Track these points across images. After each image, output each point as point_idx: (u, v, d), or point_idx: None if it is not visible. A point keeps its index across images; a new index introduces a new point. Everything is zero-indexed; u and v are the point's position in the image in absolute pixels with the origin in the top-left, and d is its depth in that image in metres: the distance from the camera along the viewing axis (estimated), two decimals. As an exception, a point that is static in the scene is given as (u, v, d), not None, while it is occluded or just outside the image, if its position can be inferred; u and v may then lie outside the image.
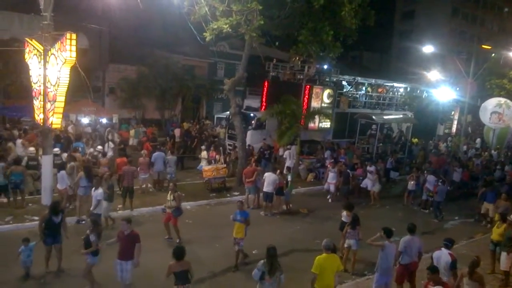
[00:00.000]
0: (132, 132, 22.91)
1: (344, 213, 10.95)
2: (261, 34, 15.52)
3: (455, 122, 34.24)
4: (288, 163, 18.90)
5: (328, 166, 17.44)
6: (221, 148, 19.19)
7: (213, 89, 31.77)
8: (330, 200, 16.65)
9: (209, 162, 17.64)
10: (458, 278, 7.64)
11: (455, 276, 7.75)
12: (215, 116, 31.27)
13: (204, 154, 18.08)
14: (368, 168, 16.98)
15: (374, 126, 25.41)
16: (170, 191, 11.18)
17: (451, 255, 8.00)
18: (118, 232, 8.19)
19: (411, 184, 16.83)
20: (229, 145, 22.08)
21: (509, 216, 10.84)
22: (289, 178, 15.73)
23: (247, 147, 19.04)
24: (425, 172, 17.46)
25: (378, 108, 27.04)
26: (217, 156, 18.01)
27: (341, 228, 10.80)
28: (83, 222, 11.88)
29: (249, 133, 20.86)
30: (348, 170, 16.90)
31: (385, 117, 26.07)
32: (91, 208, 11.09)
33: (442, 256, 8.06)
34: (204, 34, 14.52)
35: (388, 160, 20.45)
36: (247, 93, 29.57)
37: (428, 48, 31.79)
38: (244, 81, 22.79)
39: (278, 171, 15.14)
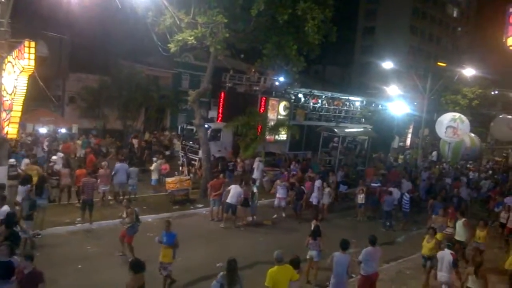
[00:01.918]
0: (79, 142, 22.10)
1: (314, 222, 11.09)
2: (226, 47, 15.65)
3: (409, 136, 35.50)
4: (254, 174, 18.91)
5: (277, 180, 16.94)
6: (184, 159, 18.98)
7: (177, 100, 31.51)
8: (283, 215, 16.00)
9: (160, 175, 17.29)
10: (464, 276, 8.82)
11: (457, 273, 9.18)
12: (179, 126, 31.01)
13: (154, 166, 17.36)
14: (316, 182, 16.64)
15: (336, 139, 25.95)
16: (124, 207, 10.81)
17: (453, 255, 9.26)
18: (16, 271, 6.79)
19: (360, 198, 16.73)
20: (182, 156, 21.61)
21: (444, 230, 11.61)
22: (254, 189, 15.55)
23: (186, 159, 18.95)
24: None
25: (334, 121, 27.45)
26: (167, 168, 17.70)
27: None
28: (39, 236, 11.45)
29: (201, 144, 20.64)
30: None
31: (346, 130, 26.70)
32: None
33: (445, 256, 9.26)
34: (169, 45, 14.46)
35: (338, 173, 20.29)
36: (211, 104, 29.61)
37: (387, 64, 32.98)
38: (209, 93, 22.85)
39: (243, 182, 15.18)
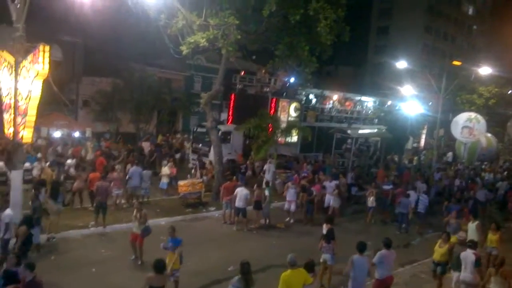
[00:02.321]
0: (90, 145, 22.14)
1: (325, 226, 10.94)
2: (238, 48, 15.60)
3: (423, 136, 34.98)
4: (266, 177, 18.78)
5: (288, 183, 16.56)
6: (197, 162, 18.92)
7: (189, 102, 31.59)
8: (291, 221, 15.56)
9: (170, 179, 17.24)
10: (486, 276, 8.98)
11: (480, 272, 9.24)
12: (192, 129, 31.08)
13: (165, 170, 17.29)
14: (327, 183, 16.56)
15: (349, 141, 25.69)
16: (135, 210, 10.79)
17: (476, 254, 9.31)
18: (21, 279, 6.89)
19: (370, 201, 16.45)
20: (192, 159, 21.53)
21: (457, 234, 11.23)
22: (267, 192, 15.43)
23: (213, 161, 18.83)
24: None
25: (346, 122, 27.13)
26: (174, 171, 17.59)
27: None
28: (54, 239, 11.53)
29: (213, 147, 20.58)
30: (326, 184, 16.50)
31: (359, 131, 26.40)
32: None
33: (468, 256, 9.28)
34: (181, 47, 14.47)
35: (348, 175, 19.93)
36: (223, 106, 29.55)
37: (401, 64, 32.50)
38: (221, 95, 22.80)
39: (256, 185, 15.09)
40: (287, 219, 15.44)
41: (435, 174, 21.80)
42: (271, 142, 17.79)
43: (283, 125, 20.14)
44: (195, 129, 24.27)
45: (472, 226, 12.03)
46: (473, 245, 9.66)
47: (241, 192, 14.11)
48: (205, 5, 13.71)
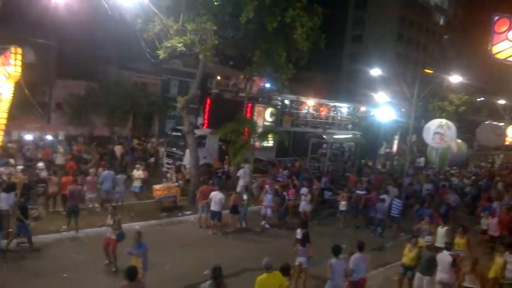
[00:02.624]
0: (61, 149, 21.77)
1: (299, 230, 11.09)
2: (215, 54, 15.66)
3: (396, 142, 35.78)
4: (242, 181, 18.84)
5: (266, 186, 16.41)
6: (173, 166, 18.83)
7: (166, 106, 31.42)
8: (267, 226, 15.40)
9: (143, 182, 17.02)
10: (460, 276, 9.41)
11: (456, 272, 9.52)
12: (168, 133, 30.92)
13: (138, 173, 16.92)
14: (302, 190, 16.62)
15: (324, 145, 26.04)
16: (109, 215, 10.61)
17: (452, 255, 9.73)
18: None
19: (342, 204, 16.47)
20: (167, 163, 21.30)
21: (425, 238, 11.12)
22: (244, 196, 15.51)
23: (187, 166, 18.79)
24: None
25: (321, 127, 27.47)
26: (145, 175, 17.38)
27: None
28: (24, 244, 11.26)
29: (187, 151, 20.21)
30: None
31: (335, 136, 26.80)
32: None
33: (444, 257, 9.69)
34: (158, 52, 14.42)
35: (322, 180, 19.86)
36: (200, 111, 29.51)
37: (375, 71, 33.23)
38: (198, 99, 22.76)
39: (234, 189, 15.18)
40: (263, 222, 15.49)
41: (405, 178, 22.01)
42: (248, 146, 17.92)
43: (260, 130, 20.32)
44: (169, 133, 24.07)
45: (441, 231, 12.11)
46: (449, 246, 10.17)
47: (215, 196, 14.11)
48: (182, 10, 13.70)
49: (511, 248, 10.38)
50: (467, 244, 11.53)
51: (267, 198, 15.44)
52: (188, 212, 16.14)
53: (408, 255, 10.14)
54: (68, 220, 12.65)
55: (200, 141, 20.59)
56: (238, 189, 17.73)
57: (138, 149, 24.03)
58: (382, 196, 16.34)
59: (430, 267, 9.59)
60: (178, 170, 18.56)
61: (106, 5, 12.60)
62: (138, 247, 8.92)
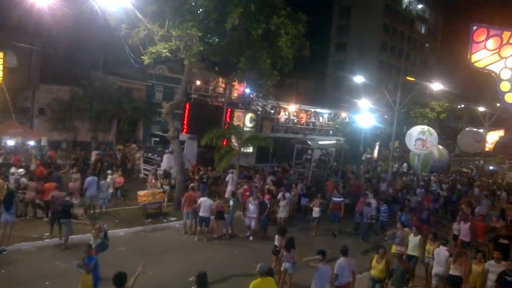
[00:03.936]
0: (34, 153, 21.09)
1: (277, 236, 11.13)
2: (201, 60, 15.70)
3: (377, 148, 36.26)
4: (230, 187, 18.76)
5: (248, 196, 15.50)
6: (157, 172, 18.69)
7: (150, 112, 31.28)
8: (251, 238, 14.71)
9: (114, 189, 16.80)
10: (446, 264, 10.08)
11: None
12: (153, 139, 30.68)
13: (109, 178, 16.65)
14: (280, 195, 16.14)
15: (309, 151, 26.20)
16: (91, 224, 10.38)
17: (448, 251, 10.43)
18: None
19: (315, 211, 15.88)
20: (144, 169, 20.89)
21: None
22: (231, 202, 15.35)
23: (163, 171, 18.64)
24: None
25: (301, 133, 27.51)
26: (121, 181, 17.26)
27: (274, 252, 11.07)
28: (5, 252, 11.07)
29: (165, 156, 20.12)
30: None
31: (319, 142, 27.00)
32: None
33: (441, 251, 10.41)
34: (142, 57, 14.40)
35: (299, 186, 19.23)
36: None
37: (358, 78, 33.74)
38: (183, 105, 22.71)
39: (218, 195, 15.09)
40: (247, 233, 14.95)
41: (381, 184, 21.83)
42: (233, 152, 17.94)
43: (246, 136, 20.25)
44: (147, 139, 23.79)
45: (415, 239, 11.57)
46: (446, 242, 10.84)
47: (204, 202, 14.08)
48: (168, 16, 13.74)
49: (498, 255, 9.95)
50: None
51: (250, 209, 14.69)
52: (173, 218, 16.06)
53: (377, 267, 9.64)
54: (51, 227, 12.45)
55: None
56: (227, 195, 17.70)
57: (112, 155, 23.37)
58: (368, 200, 16.45)
59: (403, 280, 9.48)
60: (166, 175, 18.42)
61: (91, 11, 12.56)
62: (88, 260, 8.21)
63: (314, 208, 15.97)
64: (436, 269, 10.36)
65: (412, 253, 11.53)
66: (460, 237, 13.88)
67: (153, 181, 17.68)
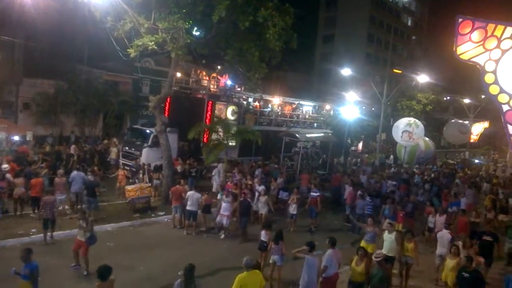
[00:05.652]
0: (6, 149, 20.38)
1: (263, 232, 11.16)
2: (188, 52, 15.56)
3: (361, 140, 36.48)
4: (218, 181, 18.65)
5: (224, 193, 14.50)
6: (145, 167, 18.55)
7: (137, 105, 30.98)
8: (222, 237, 14.01)
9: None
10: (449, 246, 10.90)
11: (454, 247, 10.26)
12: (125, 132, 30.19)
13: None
14: (257, 187, 15.68)
15: (298, 144, 26.23)
16: (80, 218, 10.39)
17: (450, 234, 11.76)
18: None
19: (292, 207, 15.20)
20: (123, 164, 20.30)
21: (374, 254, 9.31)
22: (219, 196, 15.30)
23: (142, 165, 18.52)
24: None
25: (285, 126, 27.34)
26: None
27: (260, 248, 11.03)
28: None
29: (144, 150, 19.91)
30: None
31: (308, 135, 27.03)
32: None
33: (444, 235, 11.71)
34: (128, 50, 14.23)
35: (278, 179, 18.66)
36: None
37: (346, 71, 33.85)
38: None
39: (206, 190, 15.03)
40: (220, 233, 14.23)
41: (361, 176, 21.20)
42: (221, 146, 17.86)
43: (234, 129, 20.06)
44: (125, 132, 23.45)
45: (390, 237, 10.78)
46: (447, 226, 12.51)
47: (192, 196, 14.06)
48: (154, 8, 13.57)
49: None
50: (415, 249, 10.70)
51: (223, 206, 13.99)
52: (162, 213, 15.99)
53: (356, 269, 8.97)
54: (44, 230, 11.98)
55: (157, 140, 18.61)
56: (214, 189, 17.62)
57: (88, 150, 22.84)
58: (360, 192, 16.29)
59: (383, 286, 8.71)
60: (156, 169, 18.26)
61: (76, 1, 12.33)
62: (27, 267, 7.42)
63: (291, 205, 15.31)
64: (440, 250, 11.52)
65: (388, 253, 10.49)
66: (435, 230, 13.50)
67: (141, 175, 17.54)
